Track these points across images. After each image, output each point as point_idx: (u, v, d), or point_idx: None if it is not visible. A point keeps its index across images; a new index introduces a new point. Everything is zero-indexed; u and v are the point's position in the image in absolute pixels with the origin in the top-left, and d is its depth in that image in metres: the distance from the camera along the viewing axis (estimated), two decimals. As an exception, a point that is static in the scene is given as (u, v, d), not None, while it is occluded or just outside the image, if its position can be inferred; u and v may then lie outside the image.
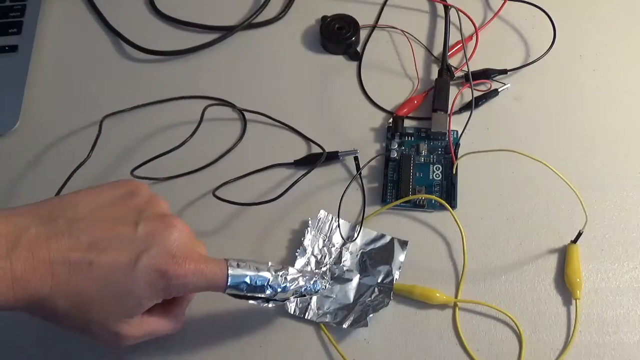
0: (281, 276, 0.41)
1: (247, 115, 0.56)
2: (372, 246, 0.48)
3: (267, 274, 0.41)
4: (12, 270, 0.33)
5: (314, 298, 0.46)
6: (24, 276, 0.33)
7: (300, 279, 0.42)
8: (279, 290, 0.41)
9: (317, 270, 0.47)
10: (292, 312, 0.46)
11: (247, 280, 0.40)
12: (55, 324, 0.37)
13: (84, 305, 0.35)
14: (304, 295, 0.43)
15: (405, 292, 0.46)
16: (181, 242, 0.38)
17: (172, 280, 0.36)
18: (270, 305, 0.43)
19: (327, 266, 0.48)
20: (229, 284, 0.39)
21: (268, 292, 0.41)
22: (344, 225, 0.49)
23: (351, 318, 0.45)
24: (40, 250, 0.34)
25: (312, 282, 0.43)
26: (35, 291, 0.34)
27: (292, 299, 0.43)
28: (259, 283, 0.40)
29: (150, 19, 0.63)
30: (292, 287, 0.42)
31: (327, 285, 0.45)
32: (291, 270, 0.42)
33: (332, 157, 0.52)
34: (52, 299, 0.34)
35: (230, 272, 0.39)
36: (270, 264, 0.41)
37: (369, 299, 0.46)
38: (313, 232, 0.49)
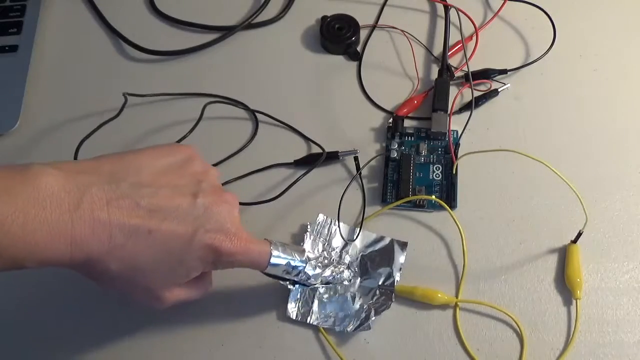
0: (315, 263, 0.44)
1: (250, 115, 0.56)
2: (372, 248, 0.48)
3: (304, 260, 0.43)
4: (72, 231, 0.33)
5: (316, 302, 0.46)
6: (82, 237, 0.33)
7: (331, 267, 0.46)
8: (311, 275, 0.44)
9: (345, 261, 0.48)
10: (294, 317, 0.45)
11: (286, 264, 0.42)
12: (98, 283, 0.37)
13: (136, 270, 0.36)
14: (329, 283, 0.46)
15: (407, 294, 0.46)
16: (233, 218, 0.39)
17: (223, 256, 0.38)
18: (296, 286, 0.46)
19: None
20: (270, 264, 0.41)
21: (301, 276, 0.44)
22: (344, 228, 0.49)
23: (353, 322, 0.45)
24: (101, 212, 0.34)
25: (339, 271, 0.46)
26: (90, 252, 0.34)
27: (318, 284, 0.46)
28: (295, 268, 0.43)
29: (150, 19, 0.63)
30: (322, 275, 0.45)
31: (352, 276, 0.47)
32: (323, 259, 0.46)
33: (332, 157, 0.52)
34: (106, 261, 0.35)
35: (273, 254, 0.41)
36: (307, 250, 0.44)
37: (371, 301, 0.46)
38: (312, 237, 0.49)
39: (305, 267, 0.43)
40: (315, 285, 0.46)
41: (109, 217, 0.34)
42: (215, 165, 0.53)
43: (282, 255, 0.42)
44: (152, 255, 0.36)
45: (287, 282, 0.45)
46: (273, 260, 0.41)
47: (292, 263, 0.42)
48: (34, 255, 0.33)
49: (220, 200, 0.39)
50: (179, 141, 0.51)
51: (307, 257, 0.44)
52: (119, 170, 0.36)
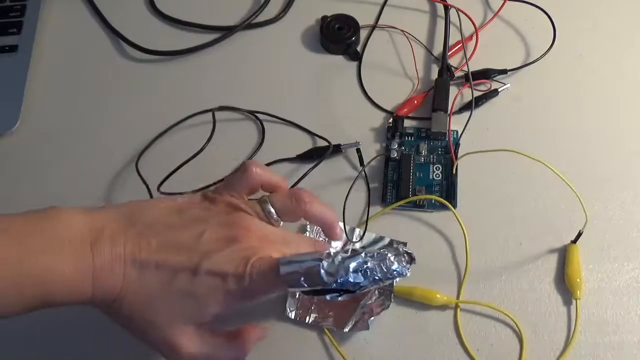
0: (340, 260, 0.35)
1: (249, 115, 0.56)
2: (371, 249, 0.48)
3: (319, 258, 0.35)
4: (93, 265, 0.36)
5: (315, 302, 0.46)
6: (102, 271, 0.36)
7: (370, 261, 0.36)
8: (339, 278, 0.35)
9: (398, 247, 0.39)
10: (292, 318, 0.45)
11: (299, 268, 0.35)
12: (118, 322, 0.38)
13: (148, 305, 0.37)
14: (381, 280, 0.36)
15: (406, 294, 0.46)
16: (242, 249, 0.38)
17: (229, 280, 0.37)
18: (344, 297, 0.37)
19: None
20: (281, 273, 0.35)
21: (327, 279, 0.35)
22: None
23: (352, 321, 0.45)
24: (118, 247, 0.36)
25: (385, 264, 0.36)
26: (108, 287, 0.36)
27: (365, 283, 0.36)
28: (314, 270, 0.35)
29: (150, 19, 0.63)
30: (352, 267, 0.35)
31: (408, 268, 0.37)
32: (354, 252, 0.36)
33: (334, 151, 0.52)
34: (121, 297, 0.36)
35: (281, 260, 0.36)
36: (332, 251, 0.36)
37: (370, 301, 0.46)
38: (312, 237, 0.48)
39: (324, 265, 0.35)
40: (361, 285, 0.36)
41: (124, 252, 0.36)
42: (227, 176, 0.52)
43: (292, 259, 0.36)
44: (161, 289, 0.37)
45: (333, 295, 0.37)
46: (283, 268, 0.35)
47: (305, 264, 0.35)
48: (58, 291, 0.35)
49: (229, 236, 0.38)
50: (197, 153, 0.51)
51: (328, 253, 0.36)
52: (134, 213, 0.39)
